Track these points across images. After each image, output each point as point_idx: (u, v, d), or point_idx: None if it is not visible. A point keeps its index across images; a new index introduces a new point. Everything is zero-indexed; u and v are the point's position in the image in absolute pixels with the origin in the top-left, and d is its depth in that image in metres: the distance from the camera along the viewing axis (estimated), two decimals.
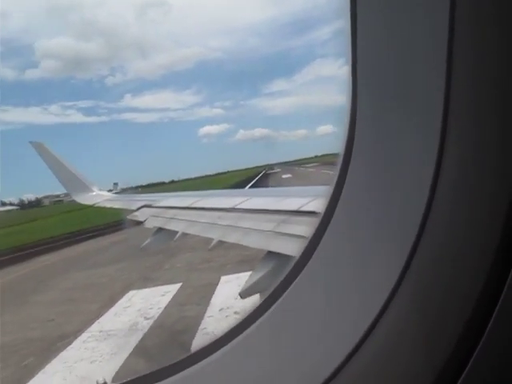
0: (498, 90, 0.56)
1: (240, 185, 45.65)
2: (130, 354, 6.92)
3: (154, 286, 10.70)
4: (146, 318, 8.47)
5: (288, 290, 0.77)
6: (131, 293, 10.49)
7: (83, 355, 7.32)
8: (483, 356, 0.60)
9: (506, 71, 0.55)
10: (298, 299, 0.77)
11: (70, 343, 7.95)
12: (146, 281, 11.34)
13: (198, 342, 6.78)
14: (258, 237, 4.19)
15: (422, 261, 0.62)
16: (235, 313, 7.55)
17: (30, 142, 8.79)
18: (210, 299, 8.63)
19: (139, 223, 5.84)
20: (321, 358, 0.71)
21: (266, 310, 0.78)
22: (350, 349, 0.67)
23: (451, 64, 0.57)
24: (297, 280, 0.76)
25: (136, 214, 6.24)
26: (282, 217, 4.18)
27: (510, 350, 0.59)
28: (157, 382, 0.82)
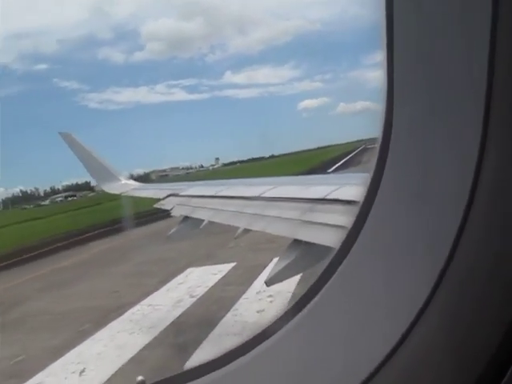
0: None
1: (336, 160, 48.04)
2: (163, 330, 7.57)
3: (212, 263, 11.01)
4: (191, 296, 9.07)
5: (318, 296, 0.76)
6: (189, 270, 10.98)
7: (127, 327, 8.13)
8: None
9: None
10: (327, 306, 0.76)
11: (121, 314, 8.79)
12: (208, 258, 11.53)
13: (225, 323, 7.24)
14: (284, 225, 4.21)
15: (456, 275, 0.61)
16: (269, 296, 7.79)
17: (60, 133, 9.01)
18: (253, 281, 8.82)
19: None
20: (347, 369, 0.70)
21: (294, 315, 0.77)
22: (378, 361, 0.66)
23: (492, 75, 0.56)
24: (326, 286, 0.75)
25: (163, 202, 6.35)
26: (307, 205, 4.17)
27: None
28: (189, 381, 0.84)
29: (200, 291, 9.27)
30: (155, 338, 7.27)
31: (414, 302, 0.64)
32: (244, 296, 8.24)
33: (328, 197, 3.98)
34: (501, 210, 0.58)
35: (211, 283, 9.61)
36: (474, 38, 0.58)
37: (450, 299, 0.62)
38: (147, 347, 6.98)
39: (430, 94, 0.64)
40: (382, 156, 0.69)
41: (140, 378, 0.99)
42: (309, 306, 0.76)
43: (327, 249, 3.23)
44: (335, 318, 0.75)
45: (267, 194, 4.73)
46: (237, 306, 7.88)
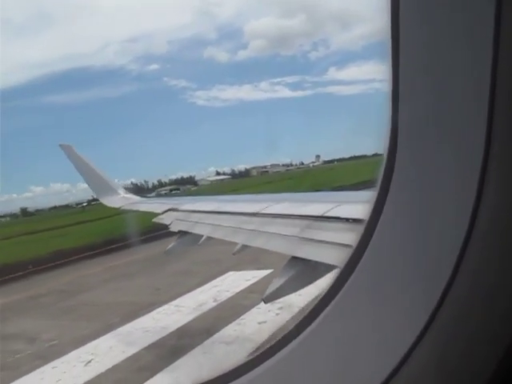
0: None
1: None
2: (174, 331, 8.17)
3: (253, 269, 11.03)
4: (215, 301, 9.49)
5: (322, 314, 0.77)
6: (229, 273, 11.24)
7: (147, 324, 8.78)
8: None
9: None
10: (328, 328, 0.76)
11: (149, 311, 9.47)
12: (252, 263, 11.44)
13: (226, 331, 7.65)
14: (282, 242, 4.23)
15: (465, 277, 0.61)
16: (279, 308, 7.95)
17: (60, 145, 9.04)
18: None
19: None
20: (367, 370, 0.71)
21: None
22: (393, 365, 0.67)
23: (495, 86, 0.57)
24: (325, 310, 0.76)
25: (162, 217, 6.35)
26: (305, 222, 4.19)
27: None
28: None
29: (224, 296, 9.64)
30: (162, 338, 7.89)
31: (410, 334, 0.65)
32: (258, 305, 8.35)
33: (326, 214, 4.03)
34: (497, 245, 0.58)
35: (239, 289, 9.89)
36: (477, 41, 0.58)
37: (444, 331, 0.63)
38: (153, 346, 7.64)
39: (432, 118, 0.64)
40: (386, 178, 0.70)
41: None
42: (307, 330, 0.77)
43: (326, 266, 3.26)
44: (340, 334, 0.75)
45: (266, 211, 4.77)
46: (246, 315, 8.15)
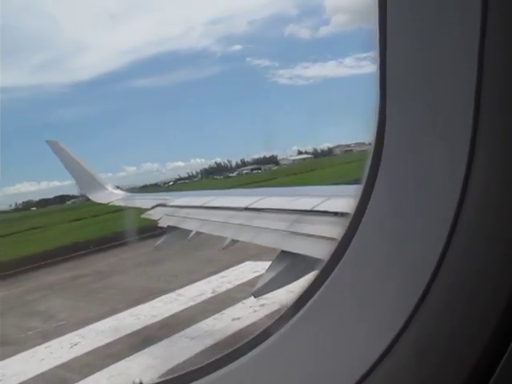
0: None
1: None
2: (160, 320, 8.56)
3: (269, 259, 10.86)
4: (213, 292, 9.70)
5: (305, 307, 0.77)
6: (246, 263, 11.14)
7: (143, 311, 9.22)
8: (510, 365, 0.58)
9: None
10: (311, 321, 0.77)
11: (154, 298, 9.89)
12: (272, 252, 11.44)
13: (200, 325, 7.97)
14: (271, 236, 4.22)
15: (449, 270, 0.61)
16: (260, 305, 7.99)
17: (46, 141, 8.91)
18: None
19: None
20: (347, 364, 0.71)
21: (293, 316, 0.78)
22: (373, 359, 0.67)
23: (481, 79, 0.56)
24: (314, 297, 0.76)
25: (150, 212, 6.30)
26: (294, 216, 4.18)
27: None
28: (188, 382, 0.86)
29: (224, 288, 9.80)
30: (156, 323, 8.48)
31: (395, 321, 0.65)
32: (246, 299, 8.47)
33: (316, 208, 4.01)
34: (483, 235, 0.58)
35: (241, 281, 9.96)
36: (464, 38, 0.58)
37: (426, 326, 0.63)
38: (135, 333, 8.17)
39: (422, 100, 0.64)
40: (374, 166, 0.70)
41: (137, 380, 0.98)
42: (295, 319, 0.77)
43: (315, 260, 3.25)
44: (326, 322, 0.76)
45: (255, 205, 4.75)
46: (228, 310, 8.34)
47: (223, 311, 8.30)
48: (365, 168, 0.73)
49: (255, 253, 9.90)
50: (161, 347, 7.30)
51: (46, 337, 8.99)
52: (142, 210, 6.68)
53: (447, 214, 0.60)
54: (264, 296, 7.71)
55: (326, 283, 0.75)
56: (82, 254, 17.47)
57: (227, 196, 5.73)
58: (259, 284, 3.81)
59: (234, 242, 4.61)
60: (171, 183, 54.00)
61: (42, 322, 10.09)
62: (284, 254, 3.71)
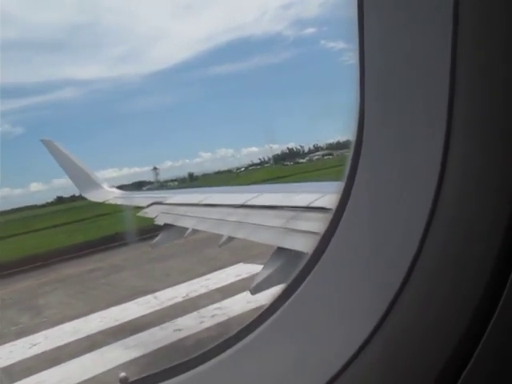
0: (502, 94, 0.56)
1: None
2: (131, 320, 8.54)
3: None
4: (184, 296, 9.43)
5: (292, 298, 0.78)
6: (238, 265, 10.82)
7: (113, 314, 9.14)
8: (480, 364, 0.60)
9: (508, 76, 0.55)
10: (297, 310, 0.77)
11: (138, 297, 9.76)
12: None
13: (173, 323, 7.97)
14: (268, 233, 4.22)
15: (425, 265, 0.62)
16: (211, 316, 7.96)
17: (41, 140, 8.88)
18: None
19: None
20: (321, 362, 0.72)
21: (272, 314, 0.79)
22: (349, 355, 0.68)
23: (455, 68, 0.57)
24: (299, 289, 0.77)
25: (146, 210, 6.28)
26: (290, 213, 4.19)
27: (508, 355, 0.59)
28: (167, 379, 0.84)
29: (197, 293, 9.52)
30: (113, 327, 8.44)
31: (386, 294, 0.65)
32: (202, 310, 8.34)
33: (312, 205, 4.02)
34: (466, 206, 0.59)
35: (216, 286, 9.69)
36: (437, 38, 0.59)
37: (421, 288, 0.63)
38: (86, 338, 8.12)
39: (397, 95, 0.65)
40: (355, 156, 0.71)
41: (122, 374, 0.97)
42: (280, 310, 0.78)
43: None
44: (306, 320, 0.77)
45: (251, 202, 4.75)
46: (181, 318, 8.12)
47: (177, 319, 8.13)
48: (345, 165, 0.74)
49: (257, 252, 9.67)
50: (91, 357, 7.18)
51: (24, 334, 8.95)
52: (138, 209, 6.67)
53: (424, 209, 0.61)
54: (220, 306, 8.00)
55: (308, 279, 0.76)
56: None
57: (223, 193, 5.73)
58: (256, 281, 3.80)
59: (230, 239, 4.62)
60: (242, 169, 52.90)
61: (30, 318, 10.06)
62: (280, 251, 3.71)
